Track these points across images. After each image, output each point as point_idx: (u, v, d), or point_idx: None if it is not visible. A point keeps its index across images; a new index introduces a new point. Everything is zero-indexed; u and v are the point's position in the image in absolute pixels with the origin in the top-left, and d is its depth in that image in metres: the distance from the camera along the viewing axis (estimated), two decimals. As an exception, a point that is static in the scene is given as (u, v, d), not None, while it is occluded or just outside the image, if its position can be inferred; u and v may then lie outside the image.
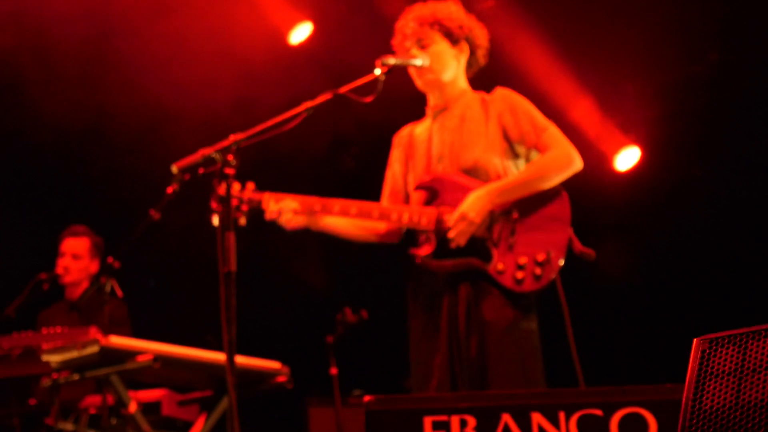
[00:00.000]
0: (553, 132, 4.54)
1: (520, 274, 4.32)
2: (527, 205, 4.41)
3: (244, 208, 4.42)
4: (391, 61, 4.38)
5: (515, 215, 4.39)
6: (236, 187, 4.46)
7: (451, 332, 4.39)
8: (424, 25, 4.62)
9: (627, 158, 8.16)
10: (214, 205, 3.97)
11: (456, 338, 4.37)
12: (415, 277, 4.59)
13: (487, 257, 4.37)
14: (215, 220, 3.99)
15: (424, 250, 4.47)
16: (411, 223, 4.49)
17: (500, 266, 4.34)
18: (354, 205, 4.50)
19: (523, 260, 4.33)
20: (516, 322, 4.36)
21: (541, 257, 4.32)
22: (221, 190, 3.90)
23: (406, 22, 4.67)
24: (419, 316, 4.55)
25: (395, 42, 4.74)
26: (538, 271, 4.31)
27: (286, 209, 4.50)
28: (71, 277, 6.68)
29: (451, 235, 4.36)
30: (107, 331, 5.32)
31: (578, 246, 4.38)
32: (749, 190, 7.87)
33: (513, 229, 4.37)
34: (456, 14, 4.68)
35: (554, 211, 4.41)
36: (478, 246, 4.38)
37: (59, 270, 6.65)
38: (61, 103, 7.47)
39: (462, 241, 4.36)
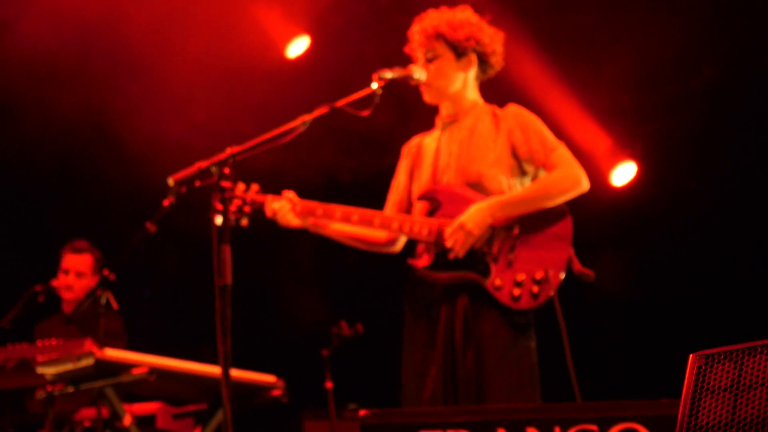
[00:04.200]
0: (563, 152, 4.52)
1: (517, 291, 4.29)
2: (529, 222, 4.38)
3: (247, 209, 4.42)
4: (388, 75, 4.37)
5: (516, 231, 4.36)
6: (241, 187, 4.49)
7: (447, 345, 4.37)
8: (430, 39, 4.60)
9: (623, 173, 8.16)
10: (217, 205, 3.97)
11: (452, 351, 4.36)
12: (413, 289, 4.58)
13: (486, 272, 4.34)
14: (218, 220, 3.99)
15: (423, 261, 4.46)
16: (412, 233, 4.47)
17: (498, 282, 4.32)
18: (356, 212, 4.49)
19: (521, 277, 4.30)
20: (513, 339, 4.33)
21: (539, 275, 4.29)
22: (225, 189, 3.90)
23: (414, 33, 4.65)
24: (415, 327, 4.54)
25: (409, 49, 4.73)
26: (535, 289, 4.28)
27: (284, 210, 4.50)
28: (74, 295, 6.68)
29: (448, 244, 4.35)
30: (102, 343, 5.31)
31: (578, 266, 4.35)
32: (745, 203, 7.88)
33: (513, 245, 4.35)
34: (462, 24, 4.61)
35: (556, 229, 4.38)
36: (477, 260, 4.36)
37: (62, 289, 6.66)
38: (57, 116, 7.48)
39: (460, 252, 4.33)
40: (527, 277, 4.30)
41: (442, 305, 4.42)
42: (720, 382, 2.53)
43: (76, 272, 6.72)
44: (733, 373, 2.52)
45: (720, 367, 2.55)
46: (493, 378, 4.28)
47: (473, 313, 4.35)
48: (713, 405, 2.51)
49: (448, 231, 4.35)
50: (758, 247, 7.85)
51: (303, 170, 7.92)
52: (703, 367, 2.57)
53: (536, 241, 4.36)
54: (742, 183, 7.94)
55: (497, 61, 4.73)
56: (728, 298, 7.90)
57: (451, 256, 4.35)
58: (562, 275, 4.32)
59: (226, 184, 3.92)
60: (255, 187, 4.50)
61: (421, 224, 4.45)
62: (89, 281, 6.74)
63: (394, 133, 5.11)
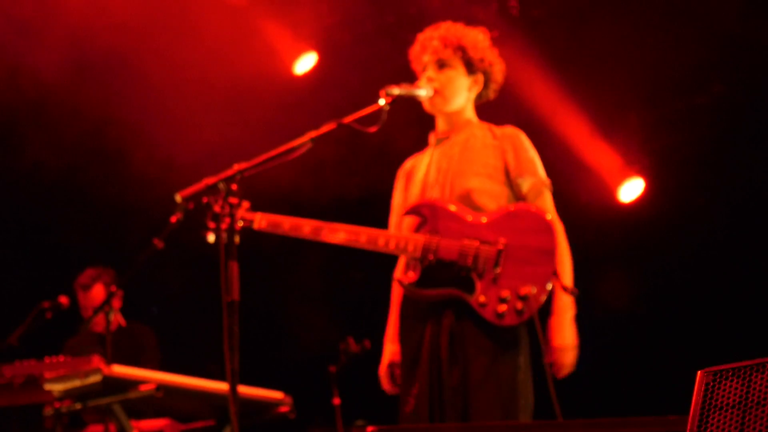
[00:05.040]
0: (548, 199, 4.56)
1: (501, 308, 4.24)
2: (514, 237, 4.34)
3: (237, 227, 4.41)
4: (396, 91, 4.37)
5: (501, 246, 4.32)
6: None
7: (432, 362, 4.36)
8: (448, 47, 4.61)
9: (631, 189, 8.16)
10: (210, 223, 3.99)
11: (437, 368, 4.35)
12: (404, 305, 4.59)
13: (471, 288, 4.30)
14: (210, 238, 4.01)
15: (409, 278, 4.45)
16: (398, 249, 4.45)
17: (482, 299, 4.27)
18: (343, 229, 4.48)
19: (505, 293, 4.25)
20: (498, 356, 4.30)
21: (523, 291, 4.24)
22: (217, 207, 3.90)
23: (431, 38, 4.66)
24: (404, 344, 4.55)
25: (413, 52, 4.74)
26: (519, 305, 4.23)
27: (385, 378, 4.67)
28: (101, 327, 6.72)
29: (563, 373, 4.38)
30: (109, 360, 5.32)
31: (563, 282, 4.33)
32: (753, 219, 7.87)
33: (498, 261, 4.31)
34: (481, 45, 4.67)
35: (541, 244, 4.33)
36: (462, 276, 4.33)
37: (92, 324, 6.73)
38: (64, 134, 7.51)
39: (569, 370, 4.40)
40: (511, 293, 4.26)
41: (427, 322, 4.41)
42: (728, 398, 2.53)
43: (93, 308, 6.77)
44: (741, 390, 2.52)
45: (728, 384, 2.55)
46: (477, 396, 4.25)
47: (458, 330, 4.33)
48: (721, 422, 2.51)
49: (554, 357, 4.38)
50: (767, 263, 7.84)
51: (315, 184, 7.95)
52: (711, 384, 2.57)
53: (521, 256, 4.31)
54: (750, 199, 7.93)
55: (494, 90, 4.77)
56: (736, 314, 7.88)
57: (564, 374, 4.38)
58: (548, 290, 4.31)
59: (233, 200, 3.93)
60: (245, 204, 4.49)
61: (406, 240, 4.44)
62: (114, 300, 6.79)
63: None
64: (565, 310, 4.39)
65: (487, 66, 4.68)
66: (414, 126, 5.27)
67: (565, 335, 4.37)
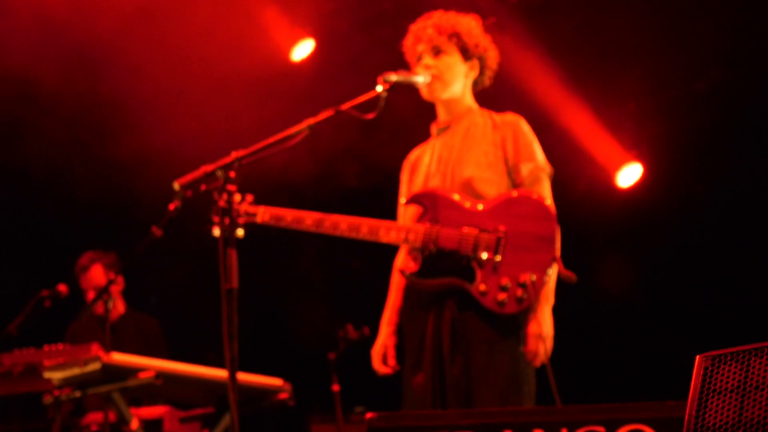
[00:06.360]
0: (546, 186, 4.54)
1: (502, 296, 4.25)
2: (513, 224, 4.35)
3: (241, 220, 4.42)
4: (393, 78, 4.36)
5: (500, 234, 4.32)
6: (236, 198, 4.48)
7: (434, 352, 4.37)
8: (442, 34, 4.61)
9: (629, 175, 8.17)
10: (214, 217, 3.99)
11: (439, 358, 4.36)
12: (406, 295, 4.59)
13: (471, 277, 4.31)
14: (216, 232, 4.02)
15: (411, 268, 4.45)
16: (398, 239, 4.46)
17: (482, 287, 4.28)
18: (344, 220, 4.48)
19: (505, 281, 4.26)
20: (500, 344, 4.31)
21: (523, 278, 4.25)
22: (222, 202, 3.91)
23: (425, 27, 4.66)
24: (407, 333, 4.55)
25: (407, 43, 4.73)
26: (519, 292, 4.24)
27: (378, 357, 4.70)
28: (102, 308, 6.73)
29: (537, 362, 4.35)
30: (110, 347, 5.32)
31: (561, 268, 4.33)
32: (751, 206, 7.87)
33: (497, 249, 4.31)
34: (475, 31, 4.67)
35: (540, 230, 4.34)
36: (463, 265, 4.34)
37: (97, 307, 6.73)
38: (61, 119, 7.50)
39: (544, 358, 4.34)
40: (512, 281, 4.27)
41: (429, 312, 4.42)
42: (726, 383, 2.53)
43: (94, 288, 6.76)
44: (740, 374, 2.52)
45: (726, 368, 2.55)
46: (479, 385, 4.26)
47: (460, 319, 4.34)
48: (720, 406, 2.51)
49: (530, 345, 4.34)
50: (764, 249, 7.85)
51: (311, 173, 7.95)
52: (710, 368, 2.57)
53: (521, 243, 4.32)
54: (748, 185, 7.94)
55: (490, 77, 4.77)
56: (735, 299, 7.89)
57: (538, 363, 4.35)
58: (548, 277, 4.31)
59: (231, 187, 3.92)
60: (249, 197, 4.50)
61: (407, 230, 4.44)
62: (114, 286, 6.78)
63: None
64: (545, 299, 4.38)
65: (482, 51, 4.68)
66: (420, 116, 5.27)
67: (542, 323, 4.35)
